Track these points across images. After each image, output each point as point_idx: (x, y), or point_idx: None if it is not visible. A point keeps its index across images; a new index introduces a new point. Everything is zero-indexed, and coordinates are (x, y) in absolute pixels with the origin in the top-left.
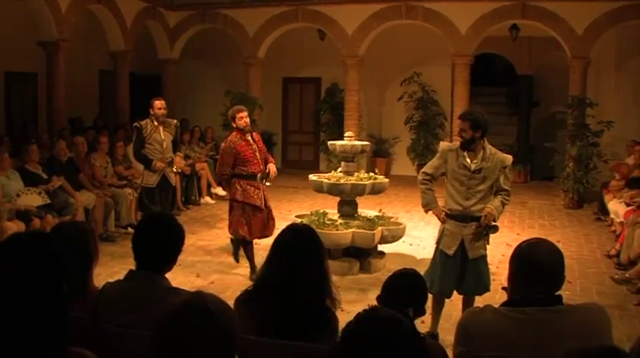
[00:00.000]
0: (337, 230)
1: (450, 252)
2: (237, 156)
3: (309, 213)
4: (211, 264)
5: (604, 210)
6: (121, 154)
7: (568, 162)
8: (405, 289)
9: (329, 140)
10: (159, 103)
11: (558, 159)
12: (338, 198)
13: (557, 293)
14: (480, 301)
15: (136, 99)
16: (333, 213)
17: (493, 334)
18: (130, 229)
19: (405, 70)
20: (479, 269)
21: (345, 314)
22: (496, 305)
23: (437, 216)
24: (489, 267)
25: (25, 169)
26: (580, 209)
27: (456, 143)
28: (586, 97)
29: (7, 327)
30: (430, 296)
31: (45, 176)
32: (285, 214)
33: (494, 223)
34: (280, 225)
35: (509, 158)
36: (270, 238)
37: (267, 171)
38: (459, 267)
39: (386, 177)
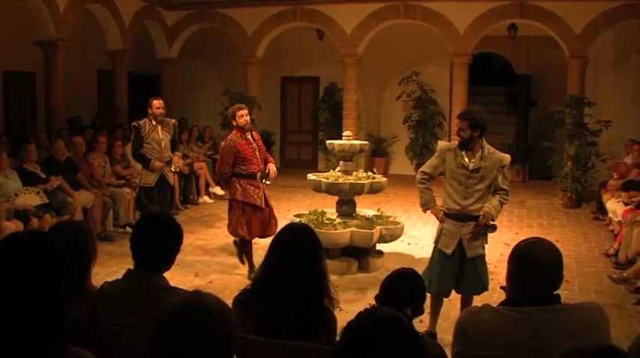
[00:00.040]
0: (336, 229)
1: (449, 251)
2: (237, 155)
3: (307, 212)
4: (210, 264)
5: (602, 210)
6: (120, 154)
7: (566, 161)
8: (404, 288)
9: (327, 139)
10: (157, 103)
11: (557, 158)
12: (336, 198)
13: (555, 293)
14: (478, 300)
15: (134, 98)
16: (331, 212)
17: (491, 333)
18: (128, 229)
19: (404, 69)
20: (477, 269)
21: (344, 314)
22: (494, 305)
23: (435, 215)
24: (488, 266)
25: (24, 169)
26: (578, 208)
27: (455, 142)
28: (584, 97)
29: (5, 327)
30: (428, 295)
31: (43, 175)
32: (284, 213)
33: (492, 222)
34: (279, 225)
35: (507, 157)
36: (270, 238)
37: (267, 170)
38: (457, 266)
39: (384, 177)
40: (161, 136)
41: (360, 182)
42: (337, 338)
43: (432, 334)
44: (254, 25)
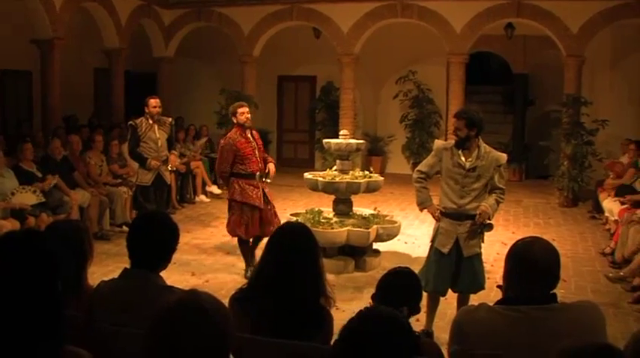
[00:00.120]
0: (332, 228)
1: (445, 250)
2: (237, 153)
3: (304, 211)
4: (206, 263)
5: (599, 209)
6: (116, 153)
7: (563, 160)
8: (400, 287)
9: (324, 138)
10: (154, 102)
11: (553, 157)
12: (333, 197)
13: (552, 292)
14: (474, 299)
15: (130, 97)
16: (328, 211)
17: (488, 332)
18: (124, 228)
19: (401, 68)
20: (474, 268)
21: (341, 313)
22: (491, 304)
23: (432, 214)
24: (484, 265)
25: (20, 168)
26: (575, 207)
27: (451, 141)
28: (581, 96)
29: (2, 326)
30: (425, 294)
31: (39, 174)
32: (281, 212)
33: (488, 221)
34: None
35: (503, 156)
36: None
37: (267, 170)
38: (453, 265)
39: (381, 176)
40: (158, 135)
41: (356, 181)
42: (334, 337)
43: (428, 333)
44: (251, 23)
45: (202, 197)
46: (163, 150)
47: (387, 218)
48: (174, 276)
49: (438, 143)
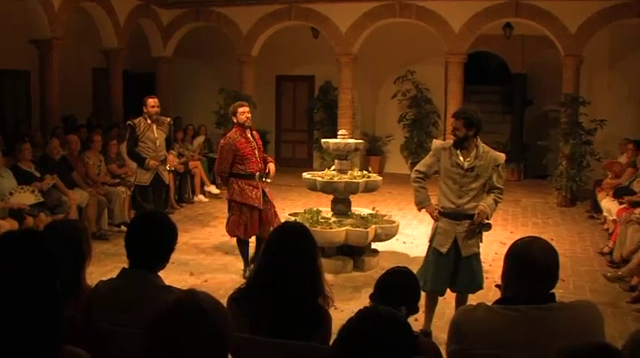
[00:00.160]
0: (331, 228)
1: (443, 249)
2: (236, 153)
3: (302, 211)
4: (205, 263)
5: (597, 208)
6: (115, 152)
7: (561, 160)
8: (398, 287)
9: (322, 138)
10: (152, 101)
11: (551, 157)
12: (331, 196)
13: (550, 292)
14: (473, 299)
15: (129, 97)
16: (326, 211)
17: (486, 332)
18: (123, 227)
19: (399, 68)
20: (472, 267)
21: (339, 313)
22: (489, 303)
23: (430, 214)
24: (482, 264)
25: (18, 168)
26: (573, 207)
27: (449, 141)
28: (579, 96)
29: (0, 326)
30: (423, 294)
31: (38, 174)
32: (279, 212)
33: (487, 221)
34: None
35: (502, 156)
36: None
37: (267, 169)
38: (452, 264)
39: (379, 175)
40: (156, 135)
41: (355, 181)
42: (332, 337)
43: (427, 333)
44: (249, 23)
45: (201, 197)
46: (162, 149)
47: (386, 218)
48: (173, 276)
49: (437, 143)
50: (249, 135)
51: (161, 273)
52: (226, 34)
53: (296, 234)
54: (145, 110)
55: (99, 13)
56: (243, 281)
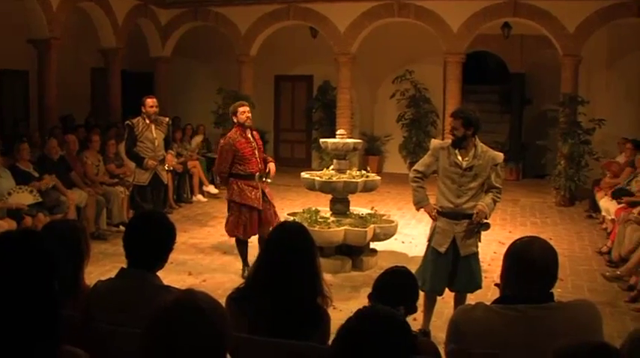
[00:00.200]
0: (329, 228)
1: (442, 249)
2: (236, 153)
3: (301, 210)
4: (203, 262)
5: (595, 208)
6: (113, 152)
7: (560, 159)
8: (396, 287)
9: (321, 138)
10: (151, 101)
11: (550, 156)
12: (330, 196)
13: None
14: (471, 298)
15: (127, 97)
16: (325, 210)
17: (485, 331)
18: (121, 227)
19: (397, 67)
20: (470, 267)
21: (338, 312)
22: (488, 303)
23: (428, 213)
24: (481, 264)
25: (17, 168)
26: (572, 206)
27: (448, 141)
28: (577, 95)
29: None
30: (422, 293)
31: (36, 174)
32: (278, 212)
33: (485, 220)
34: None
35: (500, 155)
36: None
37: (267, 170)
38: (450, 264)
39: (378, 175)
40: (154, 135)
41: (353, 180)
42: (331, 337)
43: (425, 332)
44: (247, 23)
45: (199, 196)
46: (160, 149)
47: (384, 217)
48: (171, 276)
49: (435, 142)
50: (249, 136)
51: (160, 273)
52: (225, 34)
53: (295, 234)
54: (143, 110)
55: (97, 12)
56: (242, 281)
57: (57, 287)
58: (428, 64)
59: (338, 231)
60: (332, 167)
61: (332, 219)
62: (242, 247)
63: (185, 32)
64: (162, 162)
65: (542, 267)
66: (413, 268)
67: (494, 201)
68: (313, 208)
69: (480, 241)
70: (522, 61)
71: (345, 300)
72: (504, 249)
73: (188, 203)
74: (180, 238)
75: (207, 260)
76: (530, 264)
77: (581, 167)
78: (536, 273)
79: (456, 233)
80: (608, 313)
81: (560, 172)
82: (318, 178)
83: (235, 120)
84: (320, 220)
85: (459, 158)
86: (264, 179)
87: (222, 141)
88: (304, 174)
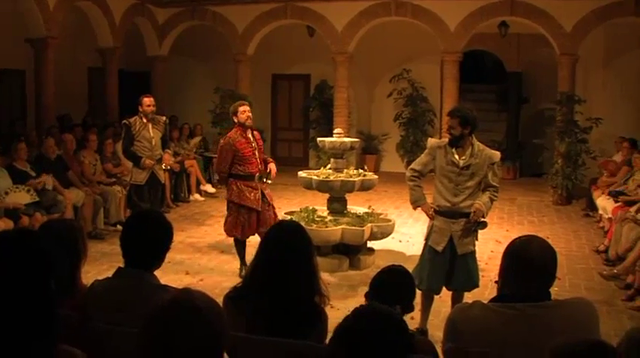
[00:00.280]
0: (326, 227)
1: (439, 248)
2: (236, 153)
3: (298, 209)
4: (201, 262)
5: (592, 206)
6: (110, 152)
7: (557, 158)
8: (393, 286)
9: (318, 137)
10: (148, 100)
11: (547, 155)
12: (327, 195)
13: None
14: (469, 297)
15: (124, 96)
16: (322, 209)
17: (482, 330)
18: (119, 227)
19: (395, 66)
20: (468, 266)
21: (335, 311)
22: (485, 301)
23: (425, 212)
24: (478, 263)
25: (14, 167)
26: (569, 205)
27: (445, 140)
28: (574, 94)
29: None
30: (419, 292)
31: (33, 174)
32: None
33: (483, 219)
34: None
35: (497, 154)
36: None
37: (268, 170)
38: (447, 263)
39: (375, 174)
40: (152, 134)
41: (350, 179)
42: (329, 336)
43: (423, 331)
44: (245, 22)
45: (197, 196)
46: (157, 149)
47: (382, 216)
48: (169, 275)
49: (432, 141)
50: (249, 136)
51: (157, 272)
52: (222, 33)
53: (292, 233)
54: (140, 109)
55: (94, 12)
56: (240, 280)
57: (54, 286)
58: (425, 63)
59: (335, 230)
60: (329, 166)
61: (329, 218)
62: (240, 247)
63: (182, 31)
64: (160, 161)
65: (541, 266)
66: (410, 267)
67: (492, 200)
68: (310, 207)
69: (477, 240)
70: (519, 59)
71: (343, 299)
72: (501, 248)
73: (185, 202)
74: (178, 237)
75: (204, 259)
76: (528, 262)
77: (578, 166)
78: (534, 272)
79: (453, 232)
80: (605, 311)
81: (557, 171)
82: (315, 177)
83: (236, 120)
84: (317, 219)
85: (456, 157)
86: (264, 180)
87: (222, 140)
88: (301, 173)
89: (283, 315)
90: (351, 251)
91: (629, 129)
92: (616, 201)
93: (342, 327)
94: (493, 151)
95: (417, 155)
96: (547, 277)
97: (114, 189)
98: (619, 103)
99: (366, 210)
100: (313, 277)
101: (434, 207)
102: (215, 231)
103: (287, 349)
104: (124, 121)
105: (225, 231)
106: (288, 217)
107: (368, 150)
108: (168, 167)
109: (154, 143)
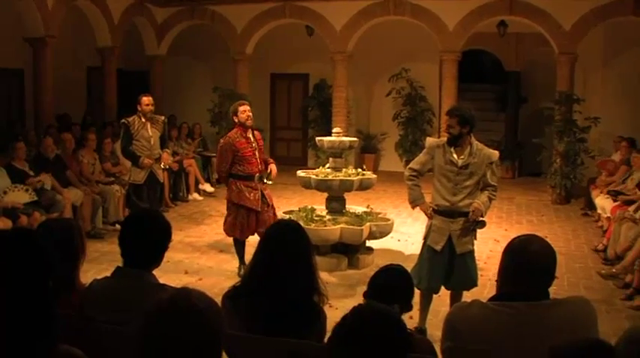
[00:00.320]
0: (325, 226)
1: (438, 247)
2: (236, 153)
3: (297, 209)
4: (199, 261)
5: (591, 206)
6: (109, 151)
7: (555, 158)
8: (392, 285)
9: (317, 136)
10: (146, 100)
11: (546, 155)
12: (326, 194)
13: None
14: (467, 296)
15: (123, 95)
16: (321, 209)
17: (481, 329)
18: (117, 226)
19: (393, 66)
20: (466, 265)
21: (334, 310)
22: (484, 300)
23: (424, 211)
24: (477, 262)
25: (12, 166)
26: (567, 204)
27: (443, 139)
28: (573, 93)
29: None
30: (418, 291)
31: (32, 173)
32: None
33: (481, 218)
34: None
35: (495, 153)
36: None
37: (268, 171)
38: (446, 262)
39: (374, 173)
40: (150, 133)
41: (349, 179)
42: (327, 335)
43: (421, 330)
44: (243, 21)
45: (195, 195)
46: (156, 148)
47: (380, 215)
48: (168, 275)
49: (431, 140)
50: (250, 136)
51: (155, 272)
52: (221, 32)
53: (290, 232)
54: (139, 108)
55: (93, 11)
56: (238, 279)
57: (51, 285)
58: (424, 63)
59: (334, 230)
60: (328, 165)
61: (328, 217)
62: (239, 246)
63: (181, 31)
64: (158, 160)
65: (541, 266)
66: (409, 266)
67: (490, 199)
68: (309, 206)
69: (475, 239)
70: (518, 59)
71: (341, 298)
72: (500, 247)
73: (184, 201)
74: (176, 237)
75: (203, 258)
76: (528, 262)
77: (577, 165)
78: (534, 271)
79: (451, 231)
80: (604, 311)
81: (555, 170)
82: (314, 176)
83: (236, 120)
84: (316, 218)
85: (455, 156)
86: (264, 180)
87: (222, 140)
88: (300, 173)
89: (282, 314)
90: (349, 250)
91: (628, 129)
92: (615, 201)
93: (341, 326)
94: (492, 150)
95: (416, 154)
96: (546, 277)
97: (112, 188)
98: (618, 103)
99: (365, 210)
100: (312, 276)
101: (432, 206)
102: (214, 230)
103: (286, 348)
104: (123, 120)
105: (224, 230)
106: (287, 216)
107: (367, 149)
108: (167, 166)
109: (152, 142)
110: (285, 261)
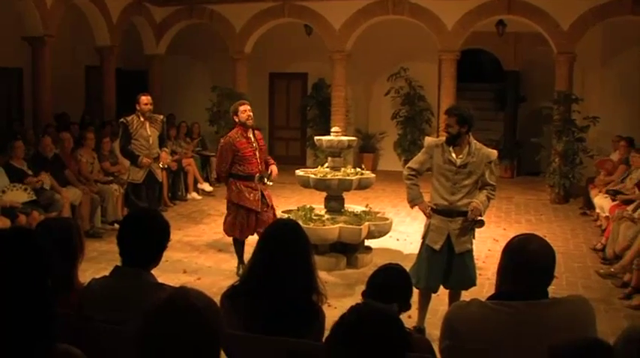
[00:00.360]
0: (324, 225)
1: (437, 246)
2: (236, 153)
3: (295, 208)
4: (198, 260)
5: (590, 205)
6: (108, 150)
7: (554, 157)
8: (390, 284)
9: (316, 135)
10: (145, 99)
11: (544, 154)
12: (325, 194)
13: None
14: (466, 295)
15: (122, 95)
16: (319, 208)
17: (479, 328)
18: (116, 225)
19: (392, 65)
20: (465, 264)
21: (332, 310)
22: (483, 300)
23: (423, 211)
24: (476, 261)
25: (11, 166)
26: (566, 204)
27: (442, 138)
28: (572, 93)
29: None
30: (416, 291)
31: (30, 172)
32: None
33: (480, 218)
34: None
35: (494, 153)
36: None
37: (269, 171)
38: (445, 261)
39: (373, 173)
40: (149, 132)
41: (348, 178)
42: (326, 334)
43: (420, 329)
44: (242, 21)
45: (194, 194)
46: (155, 147)
47: (379, 215)
48: (166, 274)
49: (429, 140)
50: (250, 136)
51: (154, 271)
52: (219, 32)
53: (289, 231)
54: (137, 108)
55: (92, 10)
56: (237, 278)
57: (50, 284)
58: (422, 62)
59: (332, 229)
60: (326, 164)
61: (326, 216)
62: (238, 246)
63: (180, 30)
64: (157, 159)
65: (540, 265)
66: (407, 265)
67: (489, 199)
68: (308, 206)
69: (474, 238)
70: (517, 58)
71: (340, 298)
72: (499, 247)
73: (183, 201)
74: (175, 236)
75: (201, 258)
76: (527, 261)
77: (576, 164)
78: (533, 271)
79: (450, 230)
80: (603, 310)
81: (554, 170)
82: (312, 176)
83: (237, 120)
84: (314, 218)
85: (453, 155)
86: (265, 181)
87: (222, 140)
88: (299, 172)
89: (281, 314)
90: (348, 249)
91: (627, 128)
92: (613, 200)
93: (340, 325)
94: (490, 150)
95: (415, 154)
96: (545, 276)
97: (111, 187)
98: (616, 102)
99: (364, 209)
100: (311, 275)
101: (431, 205)
102: (212, 229)
103: (284, 347)
104: (122, 120)
105: (224, 230)
106: (286, 216)
107: (365, 148)
108: (166, 165)
109: (151, 141)
110: (284, 260)
